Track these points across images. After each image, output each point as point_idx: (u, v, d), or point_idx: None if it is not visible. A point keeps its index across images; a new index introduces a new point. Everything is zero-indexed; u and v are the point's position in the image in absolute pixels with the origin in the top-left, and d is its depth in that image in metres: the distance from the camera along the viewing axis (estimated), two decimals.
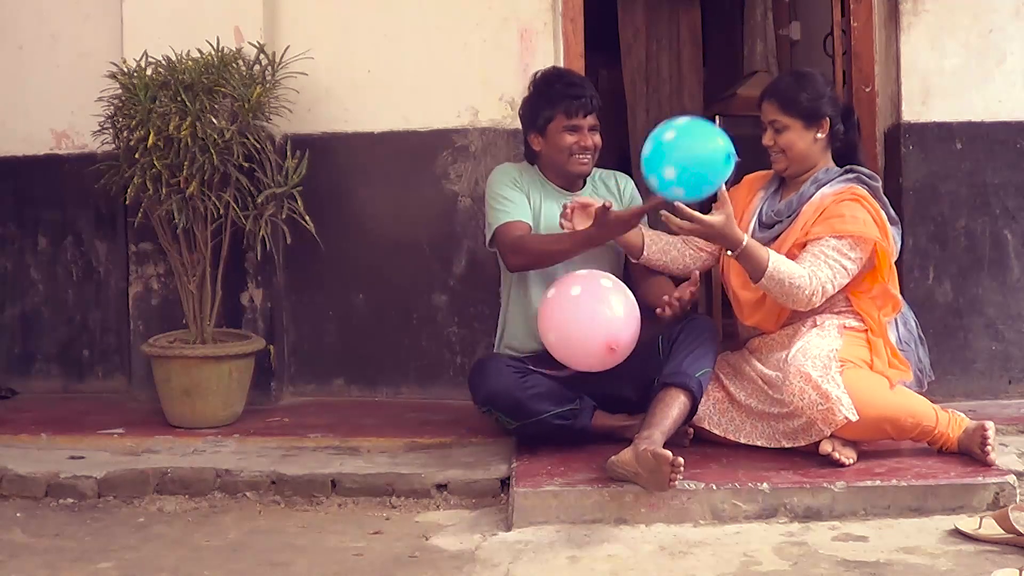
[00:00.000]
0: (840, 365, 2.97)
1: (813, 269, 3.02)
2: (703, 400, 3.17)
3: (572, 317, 3.06)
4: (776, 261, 3.00)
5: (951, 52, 3.84)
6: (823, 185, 3.19)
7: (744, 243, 2.98)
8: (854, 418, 2.91)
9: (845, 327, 3.11)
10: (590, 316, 3.04)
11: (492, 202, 3.38)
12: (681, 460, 2.77)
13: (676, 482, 2.77)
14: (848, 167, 3.23)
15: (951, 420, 3.04)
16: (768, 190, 3.33)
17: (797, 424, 3.03)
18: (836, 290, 3.06)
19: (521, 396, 3.14)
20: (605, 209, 3.05)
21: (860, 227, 3.06)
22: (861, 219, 3.08)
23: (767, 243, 3.18)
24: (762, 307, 3.20)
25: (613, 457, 2.92)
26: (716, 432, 3.20)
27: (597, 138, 3.39)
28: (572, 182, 3.43)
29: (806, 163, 3.23)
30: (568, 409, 3.18)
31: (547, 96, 3.37)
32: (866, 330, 3.12)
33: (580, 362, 3.11)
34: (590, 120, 3.36)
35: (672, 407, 3.00)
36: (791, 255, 3.11)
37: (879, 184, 3.23)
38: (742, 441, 3.16)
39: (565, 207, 3.22)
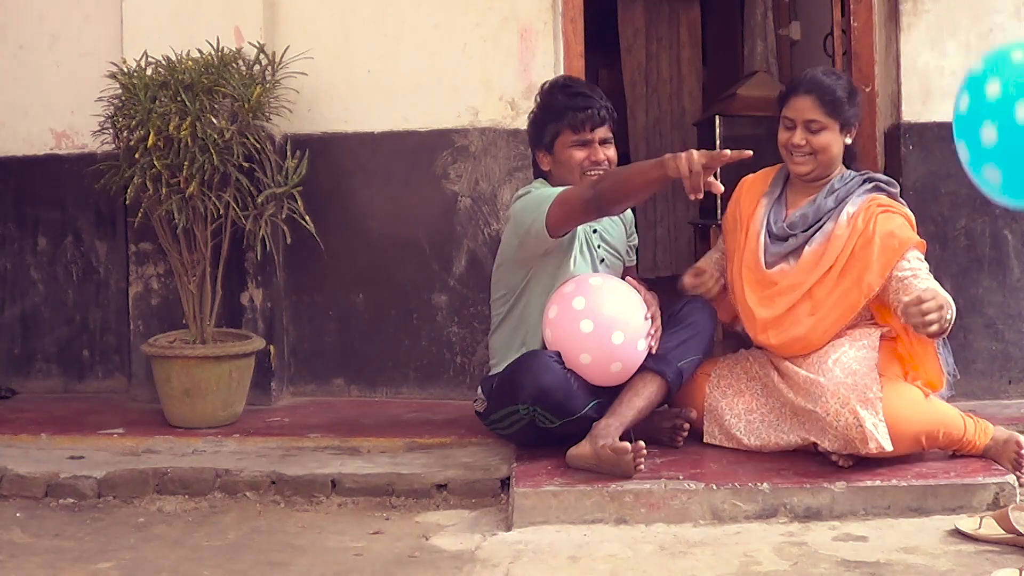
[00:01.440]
0: (880, 382, 2.89)
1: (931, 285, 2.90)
2: (736, 419, 3.13)
3: (587, 375, 3.05)
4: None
5: (951, 52, 3.84)
6: (843, 198, 3.08)
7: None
8: (888, 449, 2.83)
9: (880, 337, 3.04)
10: (605, 374, 3.05)
11: (541, 195, 3.08)
12: (642, 444, 2.81)
13: (641, 465, 2.81)
14: (865, 175, 3.14)
15: (977, 427, 3.01)
16: (772, 196, 3.21)
17: (838, 441, 2.90)
18: None
19: (570, 391, 2.99)
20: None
21: (910, 232, 3.03)
22: (903, 225, 3.03)
23: (782, 257, 3.10)
24: (780, 325, 3.08)
25: (571, 450, 2.94)
26: (754, 443, 3.09)
27: (611, 152, 3.20)
28: None
29: (831, 167, 3.12)
30: (597, 403, 3.07)
31: (551, 109, 3.19)
32: (894, 337, 3.06)
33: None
34: (601, 132, 3.17)
35: (640, 396, 3.01)
36: (839, 286, 3.02)
37: (897, 190, 3.16)
38: (781, 444, 3.06)
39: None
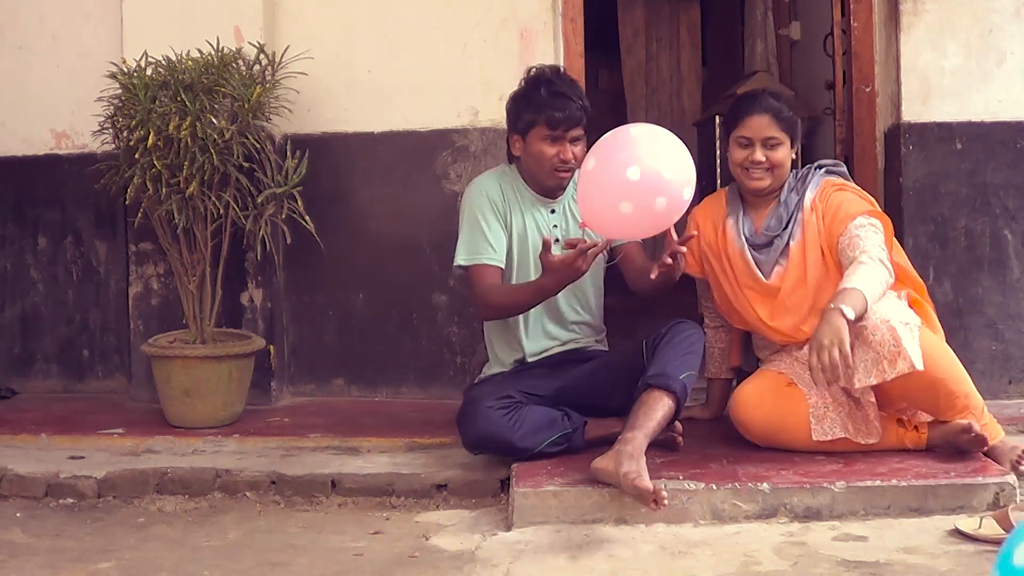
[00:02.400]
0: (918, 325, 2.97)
1: (866, 250, 3.00)
2: (821, 415, 3.08)
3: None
4: (868, 293, 2.87)
5: (951, 52, 3.84)
6: (804, 190, 3.23)
7: (846, 312, 2.80)
8: (919, 368, 2.83)
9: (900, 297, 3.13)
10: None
11: (468, 225, 3.24)
12: (664, 493, 2.70)
13: (663, 507, 2.71)
14: (814, 164, 3.32)
15: (991, 422, 3.06)
16: (736, 215, 3.29)
17: (869, 357, 2.89)
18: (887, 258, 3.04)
19: (512, 437, 3.05)
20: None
21: (860, 204, 3.16)
22: (853, 198, 3.18)
23: (775, 262, 3.20)
24: (812, 319, 3.08)
25: (596, 463, 2.86)
26: (857, 441, 3.06)
27: (579, 149, 3.22)
28: (550, 191, 3.30)
29: (783, 180, 3.25)
30: (560, 435, 3.11)
31: (530, 101, 3.23)
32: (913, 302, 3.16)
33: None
34: (574, 132, 3.22)
35: (656, 409, 2.95)
36: (831, 262, 3.14)
37: (844, 169, 3.33)
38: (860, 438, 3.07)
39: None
